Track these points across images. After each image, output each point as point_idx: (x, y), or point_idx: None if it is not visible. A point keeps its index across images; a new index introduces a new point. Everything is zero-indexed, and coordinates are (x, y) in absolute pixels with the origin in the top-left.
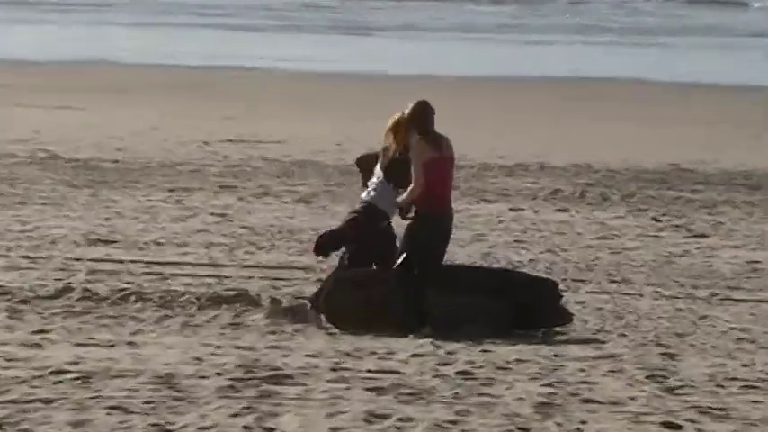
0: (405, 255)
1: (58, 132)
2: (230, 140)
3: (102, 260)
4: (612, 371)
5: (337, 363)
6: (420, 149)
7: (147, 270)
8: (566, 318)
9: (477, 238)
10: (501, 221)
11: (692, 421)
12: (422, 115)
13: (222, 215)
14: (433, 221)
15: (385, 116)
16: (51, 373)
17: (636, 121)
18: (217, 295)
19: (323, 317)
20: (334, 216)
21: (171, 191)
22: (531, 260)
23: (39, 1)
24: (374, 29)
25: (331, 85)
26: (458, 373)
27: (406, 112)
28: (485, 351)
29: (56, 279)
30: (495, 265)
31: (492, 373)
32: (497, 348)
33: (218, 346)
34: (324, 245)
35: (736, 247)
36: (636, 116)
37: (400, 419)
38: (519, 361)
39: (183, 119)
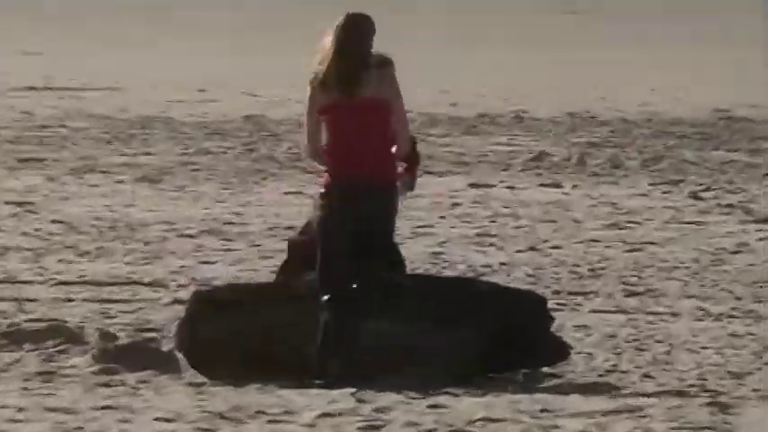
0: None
1: None
2: (32, 88)
3: None
4: None
5: (206, 430)
6: (312, 90)
7: None
8: (559, 352)
9: (419, 230)
10: (456, 204)
11: None
12: (336, 38)
13: (22, 204)
14: (336, 198)
15: (276, 47)
16: None
17: (660, 44)
18: (16, 329)
19: (181, 357)
20: (197, 201)
21: None
22: (503, 263)
23: None
24: None
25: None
26: None
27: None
28: (434, 407)
29: None
30: (448, 274)
31: None
32: (455, 402)
33: (20, 408)
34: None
35: None
36: (660, 36)
37: None
38: (488, 421)
39: None
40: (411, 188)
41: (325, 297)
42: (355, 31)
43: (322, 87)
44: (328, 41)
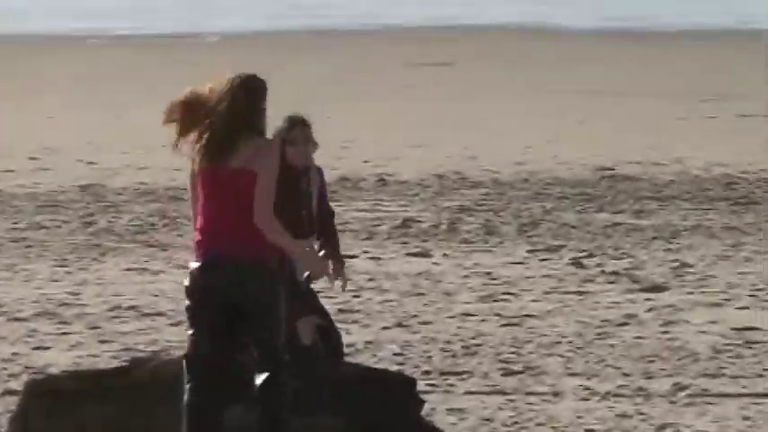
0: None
1: None
2: None
3: None
4: None
5: None
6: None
7: None
8: None
9: None
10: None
11: None
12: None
13: None
14: (194, 278)
15: (114, 110)
16: None
17: (535, 95)
18: None
19: None
20: (29, 281)
21: None
22: (369, 342)
23: None
24: None
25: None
26: None
27: None
28: None
29: None
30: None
31: None
32: None
33: None
34: None
35: (715, 305)
36: (534, 85)
37: None
38: None
39: None
40: (317, 269)
41: (186, 382)
42: (241, 93)
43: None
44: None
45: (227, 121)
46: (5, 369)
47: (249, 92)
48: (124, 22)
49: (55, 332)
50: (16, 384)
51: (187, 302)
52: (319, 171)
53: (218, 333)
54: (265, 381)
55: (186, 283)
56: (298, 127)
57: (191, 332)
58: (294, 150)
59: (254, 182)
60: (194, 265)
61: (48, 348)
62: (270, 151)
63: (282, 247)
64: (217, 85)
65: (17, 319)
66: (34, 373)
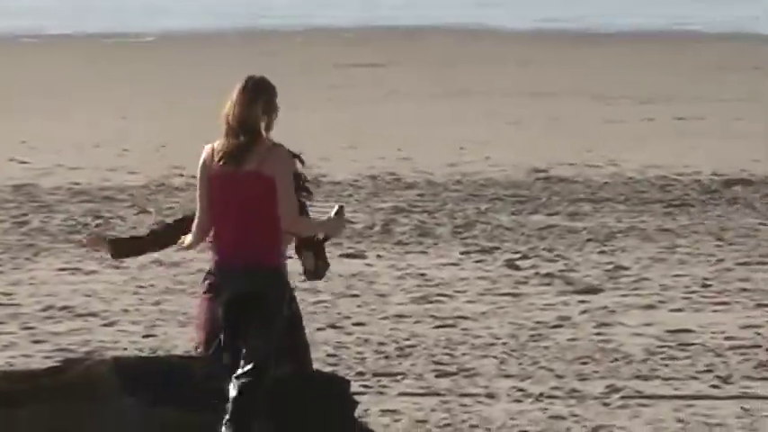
0: None
1: None
2: None
3: None
4: None
5: None
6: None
7: None
8: None
9: None
10: None
11: None
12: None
13: None
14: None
15: (48, 109)
16: None
17: (468, 96)
18: None
19: None
20: None
21: None
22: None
23: None
24: None
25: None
26: None
27: None
28: None
29: None
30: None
31: None
32: None
33: None
34: None
35: (649, 307)
36: (468, 86)
37: None
38: None
39: None
40: (316, 274)
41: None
42: (251, 96)
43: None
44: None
45: (240, 125)
46: None
47: (259, 94)
48: (55, 20)
49: None
50: None
51: (205, 304)
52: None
53: (236, 338)
54: (243, 386)
55: (204, 288)
56: None
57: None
58: None
59: (271, 186)
60: (212, 268)
61: None
62: (283, 154)
63: (316, 232)
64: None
65: None
66: None
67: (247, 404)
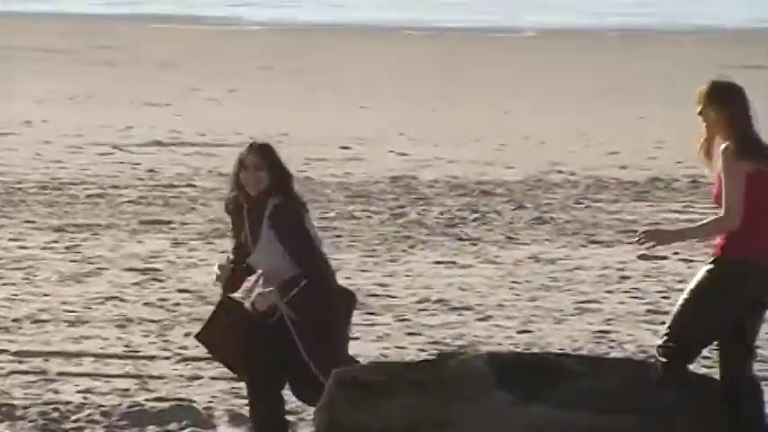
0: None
1: None
2: (158, 143)
3: None
4: None
5: None
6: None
7: (17, 368)
8: None
9: (583, 305)
10: (624, 277)
11: None
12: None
13: (146, 271)
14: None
15: (426, 102)
16: None
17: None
18: (138, 409)
19: None
20: (339, 271)
21: (58, 230)
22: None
23: None
24: None
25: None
26: None
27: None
28: None
29: None
30: (614, 355)
31: None
32: None
33: None
34: None
35: None
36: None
37: None
38: None
39: (74, 104)
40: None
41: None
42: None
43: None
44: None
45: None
46: None
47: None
48: (442, 14)
49: (363, 323)
50: None
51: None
52: (277, 206)
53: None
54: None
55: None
56: (252, 153)
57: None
58: (244, 175)
59: None
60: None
61: (355, 339)
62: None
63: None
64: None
65: None
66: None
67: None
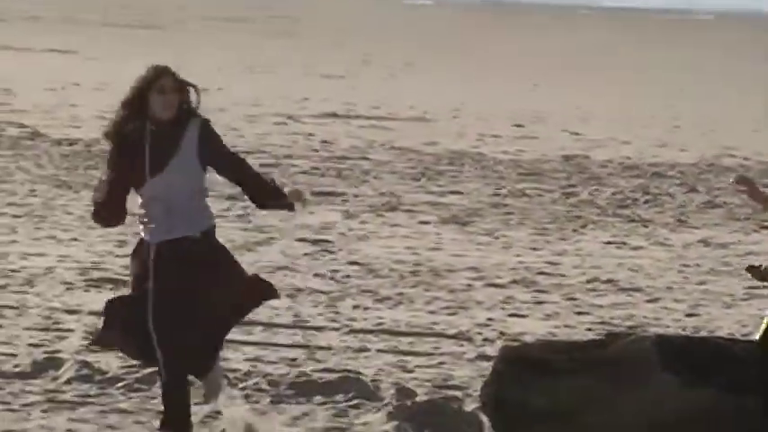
0: None
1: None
2: (333, 115)
3: None
4: None
5: None
6: None
7: None
8: None
9: (753, 291)
10: None
11: None
12: None
13: (317, 242)
14: None
15: (599, 85)
16: None
17: None
18: (305, 380)
19: (486, 419)
20: (509, 248)
21: (230, 198)
22: None
23: None
24: None
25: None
26: None
27: None
28: None
29: None
30: None
31: None
32: None
33: None
34: None
35: None
36: None
37: None
38: None
39: (250, 73)
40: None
41: None
42: None
43: None
44: None
45: None
46: (480, 334)
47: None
48: None
49: (531, 300)
50: (491, 350)
51: None
52: (206, 123)
53: None
54: None
55: None
56: (165, 75)
57: None
58: (158, 99)
59: None
60: None
61: (523, 316)
62: None
63: None
64: None
65: (494, 285)
66: (509, 339)
67: None
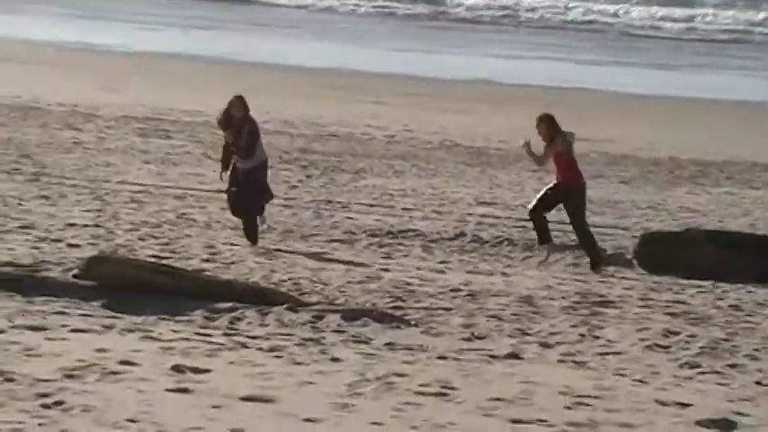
0: None
1: (458, 128)
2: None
3: (486, 216)
4: None
5: (644, 294)
6: None
7: (515, 224)
8: None
9: None
10: None
11: None
12: None
13: None
14: None
15: None
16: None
17: None
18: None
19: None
20: None
21: (533, 171)
22: None
23: None
24: None
25: None
26: (729, 306)
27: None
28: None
29: (454, 227)
30: None
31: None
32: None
33: (563, 279)
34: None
35: None
36: None
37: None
38: None
39: None
40: None
41: None
42: None
43: None
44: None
45: None
46: None
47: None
48: None
49: None
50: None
51: None
52: (253, 121)
53: None
54: None
55: None
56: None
57: None
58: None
59: None
60: None
61: None
62: None
63: None
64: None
65: None
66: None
67: None
